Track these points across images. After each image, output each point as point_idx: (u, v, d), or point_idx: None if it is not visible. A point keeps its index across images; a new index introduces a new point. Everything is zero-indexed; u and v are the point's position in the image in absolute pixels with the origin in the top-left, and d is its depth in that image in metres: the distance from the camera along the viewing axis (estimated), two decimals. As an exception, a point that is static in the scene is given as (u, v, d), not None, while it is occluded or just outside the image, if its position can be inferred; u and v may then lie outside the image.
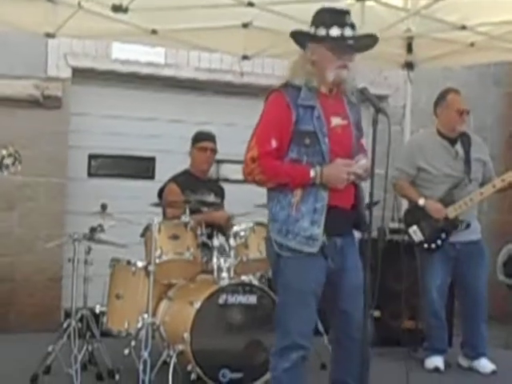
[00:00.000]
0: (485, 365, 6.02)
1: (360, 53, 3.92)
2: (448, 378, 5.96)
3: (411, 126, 7.31)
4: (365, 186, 3.93)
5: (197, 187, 6.11)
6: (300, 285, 3.79)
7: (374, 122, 3.68)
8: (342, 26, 3.76)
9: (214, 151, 6.24)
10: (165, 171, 6.89)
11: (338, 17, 3.81)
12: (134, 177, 7.85)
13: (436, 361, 6.05)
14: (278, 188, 3.84)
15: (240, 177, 4.03)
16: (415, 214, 6.02)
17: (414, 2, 6.18)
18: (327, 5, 3.94)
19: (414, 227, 5.99)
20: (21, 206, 7.13)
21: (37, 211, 7.16)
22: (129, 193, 7.43)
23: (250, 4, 5.65)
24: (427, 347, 6.19)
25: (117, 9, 5.37)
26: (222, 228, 5.92)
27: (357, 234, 4.02)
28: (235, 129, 7.39)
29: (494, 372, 5.98)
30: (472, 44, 6.53)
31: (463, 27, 6.21)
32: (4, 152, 4.75)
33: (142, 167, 7.89)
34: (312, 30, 3.83)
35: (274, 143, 3.78)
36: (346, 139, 3.88)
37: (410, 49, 6.98)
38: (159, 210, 6.06)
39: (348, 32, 3.78)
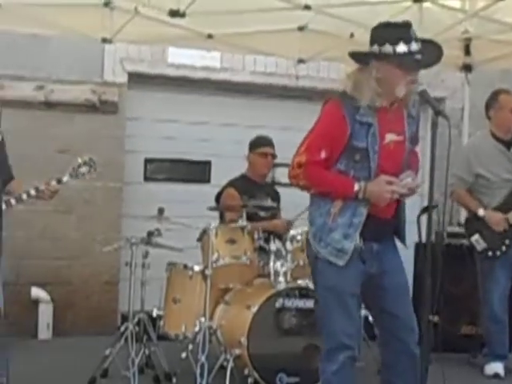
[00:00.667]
0: None
1: (427, 68, 3.81)
2: (508, 384, 5.92)
3: (469, 129, 7.25)
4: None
5: (254, 192, 6.12)
6: (338, 286, 3.77)
7: (434, 125, 3.60)
8: (408, 41, 3.64)
9: (274, 156, 6.24)
10: (220, 175, 6.92)
11: (402, 31, 3.69)
12: (189, 181, 7.88)
13: (496, 367, 5.96)
14: (320, 195, 3.84)
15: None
16: (476, 223, 5.94)
17: (472, 3, 6.15)
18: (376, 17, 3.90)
19: (476, 236, 5.91)
20: (78, 210, 7.20)
21: (94, 215, 7.24)
22: (184, 197, 7.47)
23: (307, 7, 5.68)
24: (487, 353, 6.11)
25: (174, 14, 5.42)
26: (279, 232, 5.94)
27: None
28: (289, 132, 7.35)
29: None
30: (532, 45, 6.47)
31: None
32: (80, 160, 4.88)
33: (198, 171, 7.92)
34: (376, 49, 3.71)
35: (323, 154, 3.74)
36: (397, 155, 3.82)
37: (467, 51, 6.93)
38: (214, 214, 6.08)
39: (414, 47, 3.66)
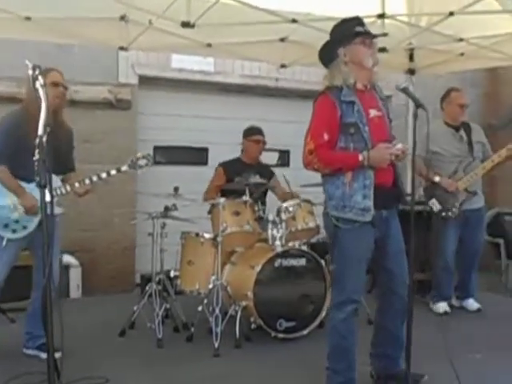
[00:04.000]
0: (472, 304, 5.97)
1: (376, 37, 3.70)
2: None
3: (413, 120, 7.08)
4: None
5: (242, 171, 5.81)
6: (355, 251, 3.55)
7: (415, 116, 3.42)
8: (361, 24, 3.62)
9: (264, 142, 5.95)
10: (216, 159, 6.60)
11: (355, 21, 3.65)
12: (190, 164, 7.54)
13: (444, 306, 5.89)
14: (331, 173, 3.59)
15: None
16: (432, 189, 5.74)
17: (416, 18, 5.91)
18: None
19: (433, 199, 5.70)
20: (99, 189, 6.43)
21: (113, 193, 6.71)
22: (186, 176, 7.06)
23: (294, 21, 5.38)
24: (435, 295, 5.95)
25: (185, 25, 5.06)
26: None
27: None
28: (270, 124, 7.10)
29: (479, 310, 5.93)
30: (462, 54, 6.27)
31: (460, 39, 5.92)
32: (139, 155, 4.61)
33: (198, 156, 7.57)
34: (340, 38, 3.62)
35: (326, 136, 3.51)
36: (382, 127, 3.64)
37: (411, 58, 6.72)
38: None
39: (365, 28, 3.63)
